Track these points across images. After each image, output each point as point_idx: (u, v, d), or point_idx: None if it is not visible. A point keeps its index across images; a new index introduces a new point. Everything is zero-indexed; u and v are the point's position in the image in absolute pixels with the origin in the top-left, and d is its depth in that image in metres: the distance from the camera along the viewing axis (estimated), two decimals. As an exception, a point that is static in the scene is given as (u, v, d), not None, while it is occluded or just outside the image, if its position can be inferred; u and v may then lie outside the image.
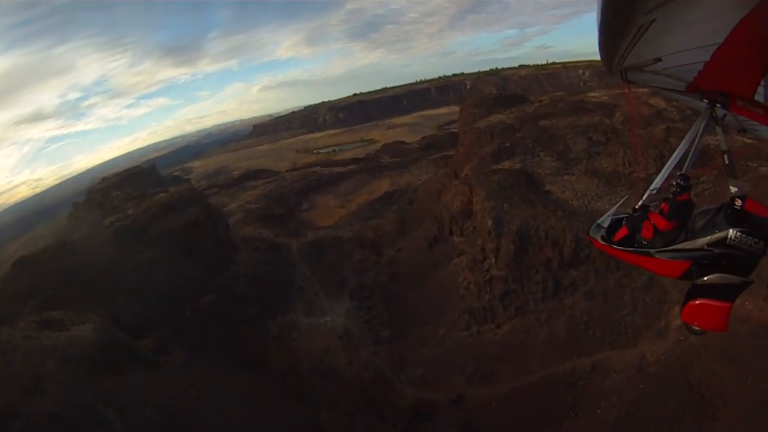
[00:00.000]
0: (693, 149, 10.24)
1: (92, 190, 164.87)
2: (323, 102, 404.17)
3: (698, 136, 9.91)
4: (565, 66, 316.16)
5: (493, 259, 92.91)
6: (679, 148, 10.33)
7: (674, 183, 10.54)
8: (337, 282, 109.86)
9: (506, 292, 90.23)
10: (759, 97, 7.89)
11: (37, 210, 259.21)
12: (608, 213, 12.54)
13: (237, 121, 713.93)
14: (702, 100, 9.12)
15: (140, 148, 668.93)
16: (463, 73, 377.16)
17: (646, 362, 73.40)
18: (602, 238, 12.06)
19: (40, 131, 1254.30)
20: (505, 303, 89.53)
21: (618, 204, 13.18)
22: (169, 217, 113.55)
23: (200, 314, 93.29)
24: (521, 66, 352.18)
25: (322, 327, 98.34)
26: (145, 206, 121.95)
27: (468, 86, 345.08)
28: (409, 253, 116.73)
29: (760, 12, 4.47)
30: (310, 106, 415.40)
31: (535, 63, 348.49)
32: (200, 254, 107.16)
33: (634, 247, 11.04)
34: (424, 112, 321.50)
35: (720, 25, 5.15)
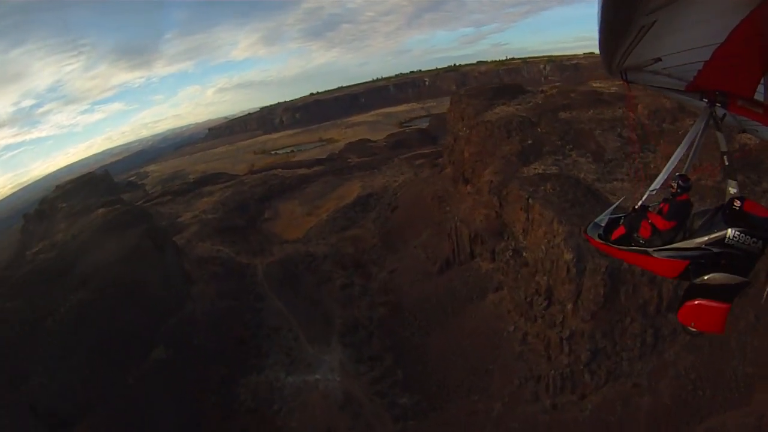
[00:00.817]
0: (693, 149, 9.68)
1: (44, 200, 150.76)
2: (279, 102, 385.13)
3: (698, 136, 9.39)
4: (526, 61, 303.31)
5: (570, 306, 67.55)
6: (679, 148, 9.73)
7: (674, 183, 10.09)
8: (319, 318, 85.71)
9: (593, 351, 65.53)
10: (759, 96, 7.48)
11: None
12: (606, 212, 11.65)
13: (192, 124, 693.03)
14: (702, 100, 8.56)
15: (96, 154, 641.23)
16: (420, 70, 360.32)
17: (766, 421, 56.24)
18: (599, 236, 11.13)
19: None
20: (592, 367, 65.05)
21: (616, 203, 12.23)
22: (106, 243, 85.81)
23: (147, 380, 68.51)
24: (479, 62, 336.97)
25: (313, 390, 72.87)
26: (77, 229, 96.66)
27: (427, 83, 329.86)
28: (409, 276, 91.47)
29: (761, 12, 4.34)
30: (266, 107, 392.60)
31: (494, 59, 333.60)
32: (145, 292, 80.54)
33: (631, 246, 10.33)
34: (383, 110, 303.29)
35: (721, 25, 4.93)
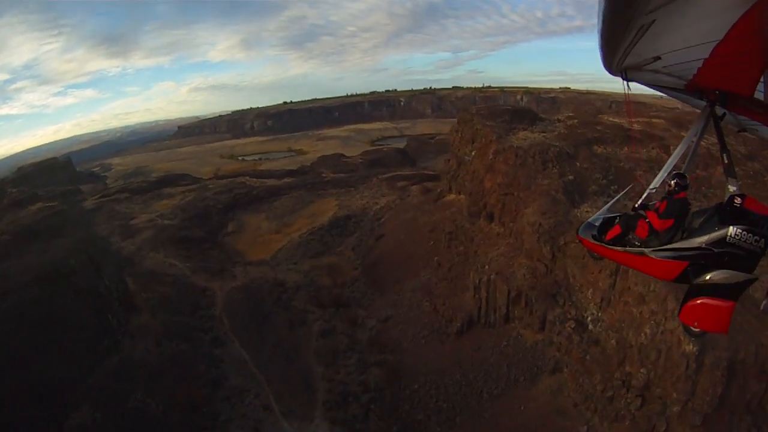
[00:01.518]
0: (692, 148, 9.51)
1: (3, 181, 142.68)
2: (252, 108, 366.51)
3: (698, 135, 9.07)
4: (503, 90, 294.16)
5: (677, 408, 48.13)
6: (679, 147, 9.37)
7: (671, 181, 9.46)
8: (296, 378, 65.83)
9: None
10: (758, 95, 6.83)
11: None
12: (600, 211, 11.10)
13: (163, 120, 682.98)
14: (701, 99, 8.32)
15: (64, 139, 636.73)
16: (396, 90, 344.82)
17: None
18: (593, 237, 10.46)
19: None
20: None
21: (611, 202, 11.49)
22: (25, 254, 64.68)
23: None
24: (455, 87, 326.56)
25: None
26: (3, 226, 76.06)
27: (402, 103, 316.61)
28: (410, 331, 71.63)
29: (759, 8, 4.15)
30: (238, 111, 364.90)
31: (470, 86, 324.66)
32: (68, 325, 58.03)
33: (627, 247, 9.58)
34: (356, 126, 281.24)
35: (719, 23, 4.72)
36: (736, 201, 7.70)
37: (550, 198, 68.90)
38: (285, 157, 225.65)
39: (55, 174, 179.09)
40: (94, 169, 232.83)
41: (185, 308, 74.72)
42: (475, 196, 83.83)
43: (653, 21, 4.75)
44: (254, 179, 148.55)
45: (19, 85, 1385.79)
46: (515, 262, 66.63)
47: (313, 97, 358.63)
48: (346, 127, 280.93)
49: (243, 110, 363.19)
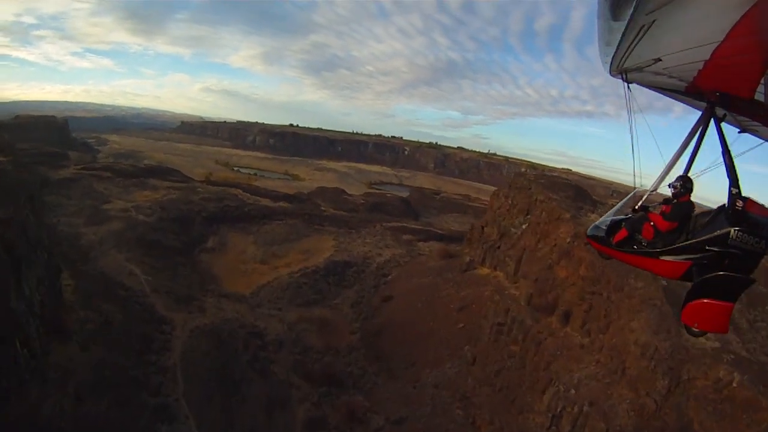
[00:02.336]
0: (693, 150, 8.88)
1: None
2: (258, 123, 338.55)
3: (698, 137, 8.58)
4: (508, 160, 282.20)
5: None
6: (679, 149, 9.03)
7: (676, 184, 9.20)
8: None
9: None
10: (759, 96, 6.82)
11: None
12: (607, 214, 10.64)
13: (169, 112, 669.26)
14: (702, 100, 8.16)
15: (70, 102, 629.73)
16: (402, 138, 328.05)
17: None
18: (601, 239, 10.15)
19: None
20: None
21: (617, 206, 10.85)
22: None
23: None
24: (460, 148, 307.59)
25: None
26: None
27: (406, 152, 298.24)
28: None
29: (759, 9, 4.14)
30: (243, 122, 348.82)
31: (474, 149, 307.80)
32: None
33: (634, 248, 9.43)
34: (356, 164, 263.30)
35: (720, 24, 4.69)
36: (737, 203, 7.50)
37: (656, 309, 48.93)
38: (280, 179, 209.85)
39: (49, 133, 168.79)
40: (90, 140, 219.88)
41: (131, 346, 52.97)
42: (542, 285, 62.66)
43: (653, 21, 4.65)
44: (248, 194, 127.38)
45: (41, 32, 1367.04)
46: (614, 391, 45.54)
47: (319, 126, 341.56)
48: (346, 163, 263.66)
49: (248, 122, 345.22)
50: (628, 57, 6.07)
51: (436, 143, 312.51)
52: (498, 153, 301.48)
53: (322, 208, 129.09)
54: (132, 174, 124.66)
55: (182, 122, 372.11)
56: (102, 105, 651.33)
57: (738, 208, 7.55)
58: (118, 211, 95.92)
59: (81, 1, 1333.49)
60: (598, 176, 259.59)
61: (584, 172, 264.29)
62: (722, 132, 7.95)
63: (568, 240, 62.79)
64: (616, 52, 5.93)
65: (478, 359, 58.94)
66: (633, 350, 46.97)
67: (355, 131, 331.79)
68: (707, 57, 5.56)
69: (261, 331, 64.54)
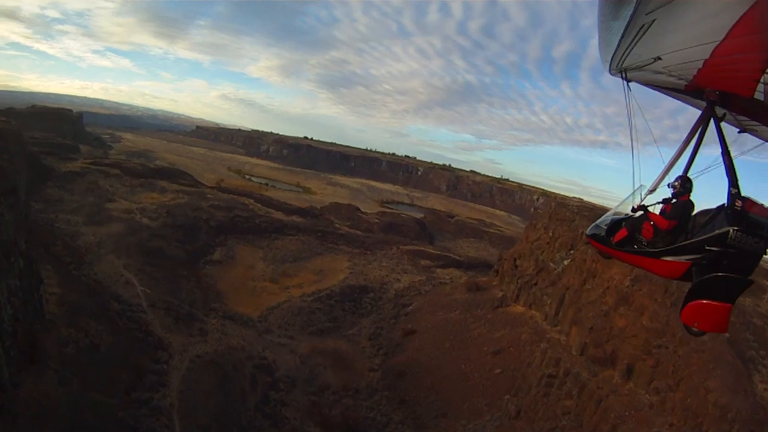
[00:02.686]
0: (693, 150, 8.70)
1: (11, 111, 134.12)
2: (272, 133, 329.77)
3: (698, 136, 8.37)
4: (521, 187, 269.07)
5: None
6: (679, 148, 8.79)
7: (676, 183, 8.96)
8: None
9: None
10: (759, 95, 6.69)
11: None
12: (607, 213, 10.42)
13: (184, 115, 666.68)
14: (701, 99, 7.91)
15: (88, 98, 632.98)
16: (415, 158, 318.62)
17: None
18: (602, 239, 9.94)
19: (7, 30, 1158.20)
20: None
21: (617, 205, 10.41)
22: None
23: None
24: (473, 171, 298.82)
25: None
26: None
27: (419, 172, 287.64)
28: None
29: (759, 9, 4.14)
30: (258, 130, 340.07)
31: (486, 173, 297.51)
32: None
33: (634, 248, 9.21)
34: (368, 182, 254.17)
35: (720, 23, 4.66)
36: (737, 203, 7.32)
37: (729, 366, 43.85)
38: (292, 190, 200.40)
39: (62, 125, 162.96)
40: (104, 136, 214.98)
41: (120, 378, 44.15)
42: (598, 334, 54.62)
43: (653, 21, 4.67)
44: (259, 205, 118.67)
45: (65, 28, 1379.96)
46: None
47: (333, 141, 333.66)
48: (358, 180, 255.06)
49: (263, 131, 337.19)
50: (627, 56, 6.03)
51: (449, 165, 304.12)
52: (510, 179, 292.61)
53: (337, 226, 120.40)
54: (141, 174, 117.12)
55: (197, 127, 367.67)
56: (119, 104, 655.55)
57: (737, 207, 7.25)
58: (122, 211, 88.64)
59: (106, 0, 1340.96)
60: (611, 207, 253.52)
61: (597, 203, 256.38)
62: (722, 131, 7.69)
63: (627, 284, 55.21)
64: (615, 51, 5.91)
65: (524, 413, 50.56)
66: (711, 411, 41.04)
67: (369, 148, 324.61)
68: (707, 56, 5.46)
69: (270, 364, 55.85)
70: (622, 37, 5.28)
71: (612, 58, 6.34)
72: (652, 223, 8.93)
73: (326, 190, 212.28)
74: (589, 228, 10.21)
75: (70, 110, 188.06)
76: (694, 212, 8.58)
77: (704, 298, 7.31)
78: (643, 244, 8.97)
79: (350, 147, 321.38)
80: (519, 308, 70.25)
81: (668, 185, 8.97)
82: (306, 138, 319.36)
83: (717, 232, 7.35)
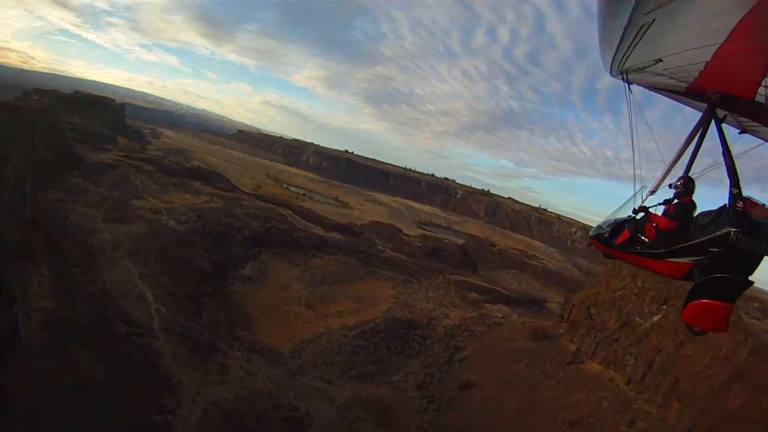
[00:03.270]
0: (694, 151, 8.58)
1: (53, 93, 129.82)
2: (313, 143, 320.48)
3: (699, 137, 8.31)
4: (560, 218, 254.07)
5: None
6: (680, 149, 8.66)
7: (678, 184, 8.84)
8: None
9: None
10: (760, 98, 6.57)
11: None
12: (610, 215, 10.12)
13: (227, 118, 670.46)
14: (702, 101, 7.83)
15: (133, 90, 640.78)
16: (455, 180, 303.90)
17: None
18: (605, 240, 9.70)
19: (57, 17, 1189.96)
20: None
21: (620, 206, 10.02)
22: None
23: None
24: (511, 198, 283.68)
25: None
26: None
27: (458, 196, 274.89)
28: None
29: (760, 11, 4.10)
30: (299, 140, 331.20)
31: (523, 202, 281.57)
32: None
33: (637, 249, 9.06)
34: (407, 201, 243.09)
35: (721, 25, 4.63)
36: (738, 204, 7.22)
37: None
38: (329, 203, 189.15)
39: (103, 113, 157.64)
40: (145, 130, 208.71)
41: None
42: (707, 415, 43.19)
43: (653, 21, 4.60)
44: (298, 217, 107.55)
45: (114, 20, 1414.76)
46: None
47: (373, 157, 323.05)
48: (397, 199, 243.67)
49: (304, 141, 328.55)
50: (628, 57, 5.94)
51: (488, 191, 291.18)
52: (548, 209, 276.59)
53: (380, 248, 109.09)
54: (176, 172, 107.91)
55: (239, 130, 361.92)
56: (163, 99, 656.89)
57: (738, 208, 7.16)
58: (148, 210, 79.55)
59: None
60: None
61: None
62: (723, 133, 7.58)
63: (743, 356, 44.50)
64: (616, 52, 5.82)
65: None
66: None
67: (408, 167, 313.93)
68: (708, 58, 5.37)
69: (302, 416, 44.38)
70: (622, 37, 5.10)
71: (613, 60, 6.16)
72: (654, 224, 8.79)
73: (365, 207, 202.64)
74: (593, 230, 9.98)
75: (113, 100, 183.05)
76: (696, 213, 8.47)
77: (705, 298, 7.22)
78: (646, 245, 8.74)
79: (390, 164, 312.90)
80: (595, 367, 58.98)
81: (669, 186, 8.78)
82: (347, 152, 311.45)
83: (718, 233, 7.20)
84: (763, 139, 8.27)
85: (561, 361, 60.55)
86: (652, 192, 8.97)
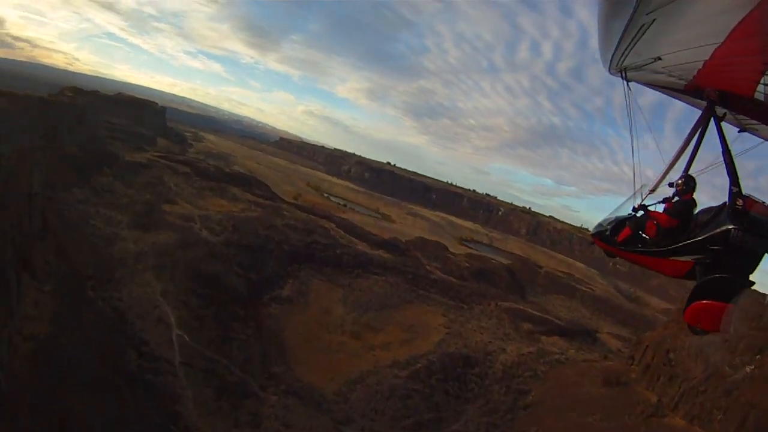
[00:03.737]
0: (694, 149, 8.17)
1: (96, 94, 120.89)
2: (355, 154, 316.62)
3: (698, 135, 7.90)
4: None
5: None
6: (680, 147, 8.33)
7: (679, 182, 8.36)
8: None
9: None
10: (759, 95, 6.30)
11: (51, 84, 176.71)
12: (611, 213, 9.58)
13: (269, 125, 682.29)
14: (701, 99, 7.56)
15: (176, 95, 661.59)
16: (496, 197, 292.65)
17: None
18: (606, 238, 9.22)
19: (104, 20, 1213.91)
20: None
21: (621, 204, 9.54)
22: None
23: None
24: (552, 217, 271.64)
25: None
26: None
27: (500, 213, 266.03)
28: None
29: (760, 12, 4.01)
30: (341, 150, 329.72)
31: (563, 220, 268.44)
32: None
33: (638, 247, 8.65)
34: (448, 216, 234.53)
35: (720, 25, 4.55)
36: (738, 203, 6.95)
37: None
38: (370, 215, 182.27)
39: (145, 116, 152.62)
40: (186, 134, 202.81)
41: None
42: None
43: (653, 21, 4.56)
44: (341, 231, 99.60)
45: (160, 25, 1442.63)
46: None
47: (414, 170, 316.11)
48: (438, 213, 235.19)
49: (346, 152, 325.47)
50: (627, 55, 5.80)
51: (530, 208, 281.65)
52: (589, 228, 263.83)
53: (428, 269, 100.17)
54: (213, 176, 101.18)
55: (281, 138, 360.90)
56: (206, 105, 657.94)
57: (738, 206, 6.90)
58: (179, 217, 72.65)
59: (202, 4, 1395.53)
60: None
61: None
62: (722, 131, 7.32)
63: None
64: (615, 50, 5.67)
65: None
66: None
67: (449, 181, 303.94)
68: (707, 57, 5.30)
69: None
70: (622, 36, 5.01)
71: (612, 58, 6.00)
72: (655, 221, 8.42)
73: (406, 220, 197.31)
74: (594, 227, 9.51)
75: (155, 103, 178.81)
76: (698, 211, 8.10)
77: (707, 299, 6.98)
78: (647, 243, 8.44)
79: (432, 178, 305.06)
80: (679, 422, 51.86)
81: (669, 184, 8.43)
82: (389, 163, 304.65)
83: (718, 230, 6.98)
84: (762, 138, 7.91)
85: (640, 413, 53.22)
86: (653, 190, 8.52)
